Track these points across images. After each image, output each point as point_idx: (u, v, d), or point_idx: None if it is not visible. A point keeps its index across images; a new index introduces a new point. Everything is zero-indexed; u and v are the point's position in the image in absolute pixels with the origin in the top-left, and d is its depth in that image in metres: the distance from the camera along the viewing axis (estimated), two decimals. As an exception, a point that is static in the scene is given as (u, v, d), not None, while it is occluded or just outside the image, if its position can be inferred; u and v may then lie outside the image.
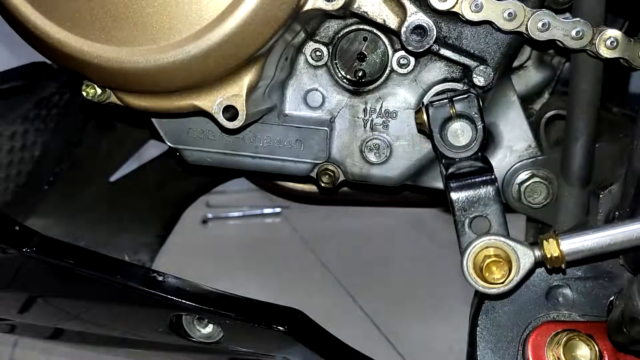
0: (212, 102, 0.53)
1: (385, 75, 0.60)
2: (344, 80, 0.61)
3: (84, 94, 0.57)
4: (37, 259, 0.63)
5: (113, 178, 0.95)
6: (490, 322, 0.54)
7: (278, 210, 1.89)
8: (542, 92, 0.70)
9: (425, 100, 0.59)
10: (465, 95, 0.54)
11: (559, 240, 0.47)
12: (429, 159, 0.62)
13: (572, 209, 0.61)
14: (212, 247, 1.72)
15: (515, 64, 0.68)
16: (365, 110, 0.61)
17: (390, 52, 0.60)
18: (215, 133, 0.60)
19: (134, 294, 0.62)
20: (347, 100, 0.61)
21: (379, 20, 0.55)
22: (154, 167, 0.97)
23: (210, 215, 1.88)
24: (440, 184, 0.63)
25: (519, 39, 0.58)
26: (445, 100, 0.54)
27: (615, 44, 0.54)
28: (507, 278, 0.47)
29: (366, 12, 0.55)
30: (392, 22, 0.54)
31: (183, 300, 0.61)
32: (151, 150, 0.97)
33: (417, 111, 0.56)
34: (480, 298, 0.54)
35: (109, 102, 0.58)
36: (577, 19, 0.54)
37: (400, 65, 0.60)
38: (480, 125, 0.54)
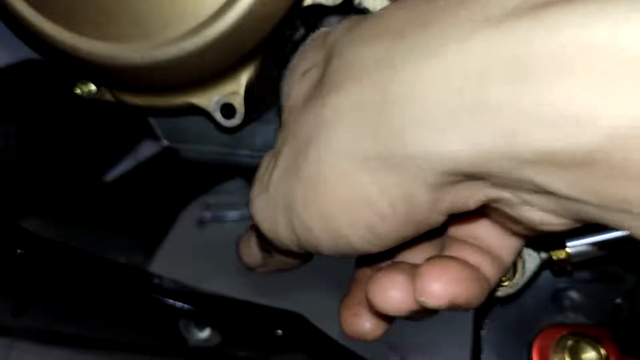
0: (209, 99, 0.52)
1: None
2: None
3: (78, 91, 0.56)
4: (32, 260, 0.62)
5: (109, 178, 0.95)
6: (494, 326, 0.54)
7: (276, 210, 1.89)
8: None
9: None
10: None
11: (566, 242, 0.46)
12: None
13: None
14: (209, 249, 1.71)
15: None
16: (365, 108, 0.60)
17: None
18: (212, 131, 0.60)
19: (129, 296, 0.61)
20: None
21: (381, 16, 0.54)
22: (151, 167, 0.96)
23: (207, 216, 1.87)
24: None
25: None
26: None
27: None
28: (512, 280, 0.46)
29: (367, 8, 0.54)
30: (394, 18, 0.54)
31: (180, 303, 0.60)
32: (147, 149, 0.96)
33: None
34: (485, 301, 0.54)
35: (104, 99, 0.57)
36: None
37: (402, 62, 0.59)
38: None
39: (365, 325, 0.37)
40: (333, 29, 0.38)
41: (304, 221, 0.31)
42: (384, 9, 0.34)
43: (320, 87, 0.33)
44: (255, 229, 0.38)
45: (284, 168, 0.33)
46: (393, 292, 0.33)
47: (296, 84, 0.36)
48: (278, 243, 0.35)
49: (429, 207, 0.30)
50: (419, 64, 0.27)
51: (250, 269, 0.46)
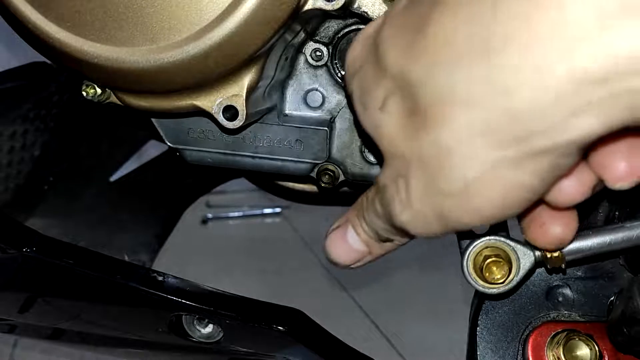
0: (212, 102, 0.53)
1: (385, 75, 0.60)
2: (344, 81, 0.61)
3: (84, 94, 0.57)
4: (37, 259, 0.63)
5: (113, 178, 0.95)
6: (490, 322, 0.54)
7: (278, 210, 1.90)
8: None
9: None
10: None
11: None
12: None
13: None
14: (212, 247, 1.72)
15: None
16: (365, 110, 0.61)
17: (390, 52, 0.60)
18: (215, 133, 0.60)
19: (134, 294, 0.62)
20: (348, 100, 0.61)
21: (379, 20, 0.55)
22: (154, 167, 0.97)
23: (210, 215, 1.88)
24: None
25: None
26: None
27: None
28: (507, 278, 0.47)
29: (366, 12, 0.55)
30: (392, 22, 0.54)
31: (183, 300, 0.61)
32: (151, 150, 0.97)
33: None
34: (480, 298, 0.54)
35: (109, 102, 0.58)
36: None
37: (400, 65, 0.60)
38: None
39: (557, 229, 0.41)
40: (376, 48, 0.39)
41: (461, 220, 0.36)
42: (427, 22, 0.34)
43: (419, 117, 0.35)
44: (395, 231, 0.41)
45: (421, 189, 0.36)
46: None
47: (380, 120, 0.38)
48: (426, 237, 0.39)
49: (575, 161, 0.34)
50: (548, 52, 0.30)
51: (343, 267, 0.47)
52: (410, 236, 0.41)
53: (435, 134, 0.34)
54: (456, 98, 0.33)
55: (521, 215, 0.42)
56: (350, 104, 0.60)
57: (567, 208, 0.39)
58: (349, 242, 0.45)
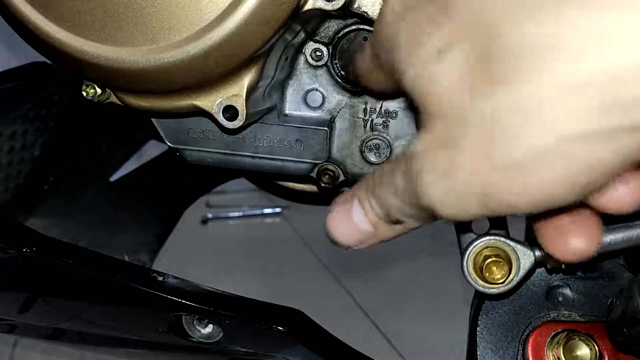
0: (212, 102, 0.53)
1: (385, 75, 0.60)
2: (344, 80, 0.61)
3: (84, 94, 0.57)
4: (37, 259, 0.63)
5: (113, 178, 0.95)
6: (490, 322, 0.54)
7: (278, 210, 1.90)
8: None
9: None
10: None
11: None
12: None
13: None
14: (212, 247, 1.72)
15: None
16: (365, 110, 0.61)
17: (390, 52, 0.60)
18: (215, 133, 0.60)
19: (134, 294, 0.62)
20: (347, 100, 0.61)
21: (379, 20, 0.55)
22: (154, 167, 0.97)
23: (210, 215, 1.88)
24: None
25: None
26: None
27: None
28: (507, 278, 0.47)
29: (366, 12, 0.55)
30: (392, 22, 0.54)
31: (183, 300, 0.61)
32: (151, 150, 0.97)
33: None
34: (480, 298, 0.55)
35: (109, 102, 0.58)
36: None
37: (400, 65, 0.60)
38: None
39: (579, 242, 0.37)
40: None
41: (507, 201, 0.31)
42: None
43: (492, 69, 0.30)
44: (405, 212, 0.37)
45: (470, 157, 0.31)
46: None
47: (434, 71, 0.32)
48: (455, 218, 0.34)
49: None
50: None
51: (345, 247, 0.43)
52: (429, 217, 0.36)
53: (509, 90, 0.29)
54: (547, 48, 0.28)
55: (541, 221, 0.38)
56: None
57: (596, 218, 0.36)
58: (354, 220, 0.40)
